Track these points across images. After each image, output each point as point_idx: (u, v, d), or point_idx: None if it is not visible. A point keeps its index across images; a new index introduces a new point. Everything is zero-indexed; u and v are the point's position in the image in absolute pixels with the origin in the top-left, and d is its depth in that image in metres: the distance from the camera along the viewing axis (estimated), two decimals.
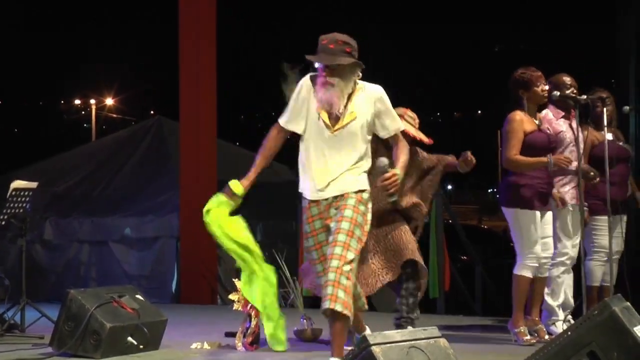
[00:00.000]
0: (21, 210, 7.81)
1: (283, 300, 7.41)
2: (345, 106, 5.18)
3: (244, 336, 6.52)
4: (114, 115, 34.44)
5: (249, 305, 6.49)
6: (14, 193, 7.72)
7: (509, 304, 7.02)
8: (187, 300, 10.16)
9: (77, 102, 34.85)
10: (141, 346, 6.49)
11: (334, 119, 5.20)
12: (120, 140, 12.96)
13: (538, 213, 6.81)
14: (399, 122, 5.42)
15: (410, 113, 7.02)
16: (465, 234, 10.66)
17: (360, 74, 5.23)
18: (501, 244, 15.25)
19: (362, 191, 5.23)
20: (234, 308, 6.66)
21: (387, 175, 5.09)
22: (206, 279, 10.26)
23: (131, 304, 6.65)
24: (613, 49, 11.06)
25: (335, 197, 5.22)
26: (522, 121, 6.84)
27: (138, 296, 6.85)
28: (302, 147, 5.32)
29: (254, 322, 6.51)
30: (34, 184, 7.96)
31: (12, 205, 7.75)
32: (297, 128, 5.31)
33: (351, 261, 5.07)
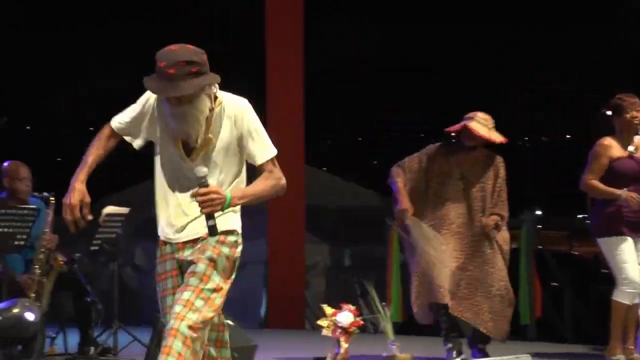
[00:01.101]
0: (113, 235, 7.94)
1: (372, 326, 7.38)
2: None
3: None
4: None
5: (338, 330, 6.48)
6: (106, 218, 7.85)
7: (601, 331, 6.90)
8: (275, 325, 10.18)
9: None
10: None
11: (189, 148, 4.13)
12: None
13: (630, 239, 6.71)
14: (268, 149, 4.25)
15: (481, 114, 6.96)
16: (555, 259, 10.51)
17: (217, 87, 4.13)
18: (592, 270, 14.99)
19: (230, 232, 4.24)
20: (322, 333, 6.65)
21: (202, 190, 3.95)
22: (294, 303, 10.28)
23: None
24: None
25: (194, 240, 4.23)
26: (609, 147, 6.75)
27: (227, 321, 6.88)
28: (156, 175, 4.35)
29: (343, 348, 6.49)
30: (125, 210, 8.09)
31: (104, 230, 7.88)
32: (133, 141, 4.32)
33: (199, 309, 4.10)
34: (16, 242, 7.25)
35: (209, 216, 3.96)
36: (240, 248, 4.31)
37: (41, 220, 7.65)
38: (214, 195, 3.94)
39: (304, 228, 10.52)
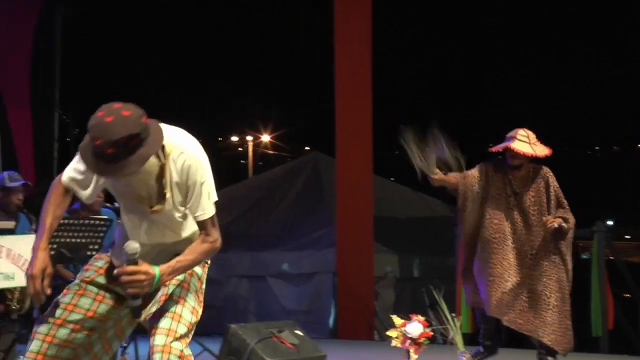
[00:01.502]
0: None
1: (442, 337, 7.31)
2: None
3: None
4: (270, 152, 34.98)
5: (408, 341, 6.44)
6: None
7: None
8: (344, 335, 10.17)
9: (234, 139, 35.58)
10: None
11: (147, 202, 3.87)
12: (277, 176, 13.13)
13: None
14: (208, 207, 3.93)
15: (521, 131, 6.99)
16: (628, 270, 10.34)
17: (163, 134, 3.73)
18: None
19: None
20: (392, 344, 6.61)
21: (130, 269, 3.61)
22: (363, 314, 10.25)
23: (291, 339, 6.70)
24: None
25: None
26: None
27: (297, 331, 6.89)
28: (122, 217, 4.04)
29: (412, 359, 6.45)
30: None
31: None
32: (82, 193, 3.96)
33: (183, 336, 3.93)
34: (88, 252, 7.33)
35: (135, 296, 3.65)
36: (208, 266, 4.17)
37: (112, 230, 7.74)
38: (142, 277, 3.63)
39: (373, 238, 10.50)
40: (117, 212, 7.85)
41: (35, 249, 3.80)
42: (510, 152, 6.99)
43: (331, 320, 10.47)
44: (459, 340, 7.03)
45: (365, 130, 10.66)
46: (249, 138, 34.64)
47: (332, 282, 10.50)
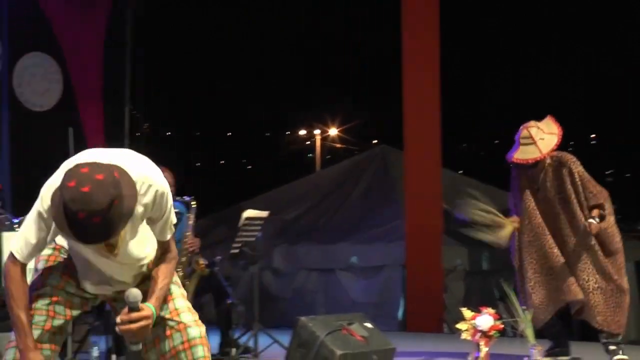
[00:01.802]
0: (253, 239, 8.05)
1: (512, 330, 7.26)
2: None
3: None
4: (337, 145, 35.00)
5: (478, 334, 6.41)
6: (246, 222, 7.98)
7: None
8: (413, 328, 10.15)
9: (302, 132, 35.68)
10: None
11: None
12: (345, 169, 13.14)
13: None
14: (170, 229, 3.90)
15: (524, 133, 7.08)
16: None
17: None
18: None
19: None
20: (462, 337, 6.59)
21: (135, 316, 3.53)
22: (432, 307, 10.23)
23: (360, 331, 6.71)
24: None
25: None
26: None
27: (367, 324, 6.90)
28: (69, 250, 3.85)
29: (483, 352, 6.42)
30: (265, 213, 8.20)
31: (244, 233, 8.00)
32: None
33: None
34: None
35: (137, 342, 3.59)
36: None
37: (183, 223, 7.81)
38: (145, 322, 3.56)
39: (442, 231, 10.46)
40: (187, 205, 7.93)
41: (23, 351, 3.60)
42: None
43: (400, 313, 10.46)
44: (529, 333, 6.99)
45: (433, 122, 10.62)
46: (317, 132, 34.71)
47: (401, 275, 10.49)
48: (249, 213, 8.05)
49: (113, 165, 3.49)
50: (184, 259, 7.80)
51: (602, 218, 7.03)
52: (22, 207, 8.98)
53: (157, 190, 3.68)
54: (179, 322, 3.85)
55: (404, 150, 10.80)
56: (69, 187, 3.35)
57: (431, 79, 10.63)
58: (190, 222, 7.88)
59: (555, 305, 7.02)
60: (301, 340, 6.57)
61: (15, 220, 6.95)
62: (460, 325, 6.58)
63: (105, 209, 3.34)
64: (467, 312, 6.52)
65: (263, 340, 7.98)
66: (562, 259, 7.03)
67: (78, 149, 11.56)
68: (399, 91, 10.76)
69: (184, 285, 7.64)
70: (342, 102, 29.18)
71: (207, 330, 7.99)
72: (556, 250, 7.07)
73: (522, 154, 7.09)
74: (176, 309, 3.88)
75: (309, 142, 36.46)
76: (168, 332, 3.83)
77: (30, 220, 3.63)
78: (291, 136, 35.69)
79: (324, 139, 35.33)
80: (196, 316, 3.93)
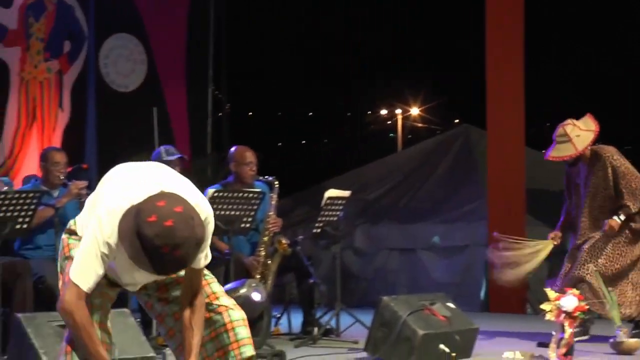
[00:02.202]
0: (335, 218, 8.07)
1: (597, 311, 7.19)
2: None
3: (558, 347, 6.38)
4: (419, 125, 34.85)
5: (562, 315, 6.35)
6: (328, 202, 8.00)
7: None
8: (496, 308, 10.09)
9: (383, 112, 35.60)
10: (453, 354, 6.51)
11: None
12: (427, 148, 13.08)
13: None
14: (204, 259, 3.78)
15: (560, 131, 7.32)
16: None
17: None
18: None
19: None
20: (546, 318, 6.53)
21: None
22: (516, 287, 10.13)
23: (443, 311, 6.69)
24: None
25: None
26: None
27: (449, 304, 6.88)
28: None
29: (567, 333, 6.36)
30: (347, 193, 8.21)
31: (326, 213, 8.02)
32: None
33: None
34: (242, 225, 7.48)
35: None
36: None
37: (266, 203, 7.87)
38: None
39: (525, 211, 10.36)
40: (270, 185, 7.98)
41: None
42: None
43: (482, 294, 10.40)
44: (615, 315, 6.91)
45: (517, 101, 10.51)
46: (398, 111, 34.60)
47: (483, 255, 10.41)
48: (331, 193, 8.08)
49: (180, 196, 3.53)
50: (266, 238, 7.86)
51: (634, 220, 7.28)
52: None
53: (206, 218, 3.63)
54: (219, 305, 3.86)
55: (487, 130, 10.71)
56: (151, 222, 3.38)
57: (515, 56, 10.50)
58: (273, 202, 7.94)
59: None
60: (383, 320, 6.58)
61: None
62: (544, 306, 6.52)
63: (187, 241, 3.40)
64: (551, 293, 6.46)
65: (345, 320, 8.01)
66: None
67: (162, 129, 11.73)
68: (482, 69, 10.67)
69: (266, 265, 7.76)
70: (424, 81, 29.04)
71: (289, 310, 8.10)
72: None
73: (557, 152, 7.33)
74: (214, 293, 3.89)
75: (390, 122, 36.38)
76: (207, 315, 3.83)
77: (92, 248, 3.56)
78: (373, 116, 35.63)
79: (406, 118, 35.21)
80: (233, 301, 3.93)
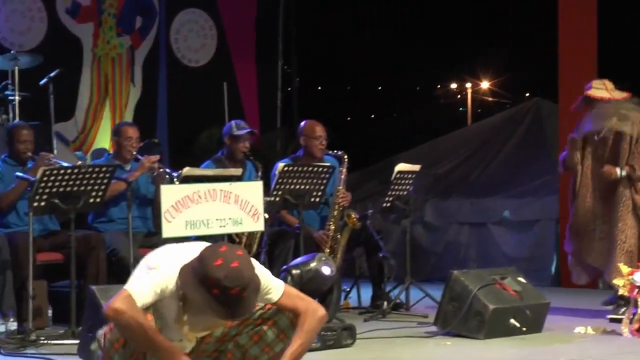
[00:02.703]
0: (405, 193, 8.05)
1: None
2: None
3: (630, 322, 6.31)
4: (489, 99, 34.54)
5: (635, 290, 6.28)
6: (398, 176, 7.99)
7: None
8: (567, 283, 9.97)
9: (453, 86, 35.34)
10: (524, 329, 6.49)
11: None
12: (497, 123, 12.97)
13: None
14: (273, 292, 3.87)
15: (596, 81, 7.53)
16: None
17: None
18: None
19: None
20: (619, 293, 6.47)
21: None
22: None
23: (513, 286, 6.66)
24: None
25: None
26: None
27: (520, 278, 6.85)
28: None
29: None
30: (416, 167, 8.19)
31: (396, 187, 8.01)
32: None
33: None
34: (312, 199, 7.50)
35: None
36: None
37: (335, 177, 7.89)
38: None
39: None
40: (339, 159, 7.99)
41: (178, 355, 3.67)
42: (589, 101, 7.45)
43: (553, 268, 10.31)
44: None
45: (589, 75, 10.34)
46: (468, 85, 34.32)
47: (554, 230, 10.32)
48: (401, 167, 8.06)
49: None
50: (335, 212, 7.88)
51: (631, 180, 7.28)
52: (179, 161, 9.25)
53: None
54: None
55: (559, 104, 10.58)
56: (218, 265, 3.53)
57: (588, 28, 10.34)
58: (342, 176, 7.95)
59: None
60: (453, 294, 6.57)
61: (174, 174, 7.13)
62: (616, 281, 6.46)
63: (252, 282, 3.58)
64: (624, 268, 6.39)
65: (414, 294, 8.01)
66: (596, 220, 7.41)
67: (232, 104, 11.84)
68: (554, 42, 10.53)
69: (335, 239, 7.79)
70: (494, 55, 28.76)
71: (359, 283, 8.11)
72: (591, 208, 7.46)
73: (598, 92, 7.46)
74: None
75: (460, 96, 36.12)
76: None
77: (159, 279, 3.66)
78: (442, 90, 35.40)
79: (476, 92, 34.92)
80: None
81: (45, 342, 6.36)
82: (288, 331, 3.85)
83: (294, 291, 3.95)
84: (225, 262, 3.54)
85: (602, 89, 7.32)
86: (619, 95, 7.32)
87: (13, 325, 6.53)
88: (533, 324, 6.59)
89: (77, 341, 5.75)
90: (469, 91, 34.47)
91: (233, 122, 8.13)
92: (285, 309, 3.83)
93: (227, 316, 3.61)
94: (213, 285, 3.52)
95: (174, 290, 3.66)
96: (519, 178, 11.21)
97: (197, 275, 3.56)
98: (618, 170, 7.25)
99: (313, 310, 3.85)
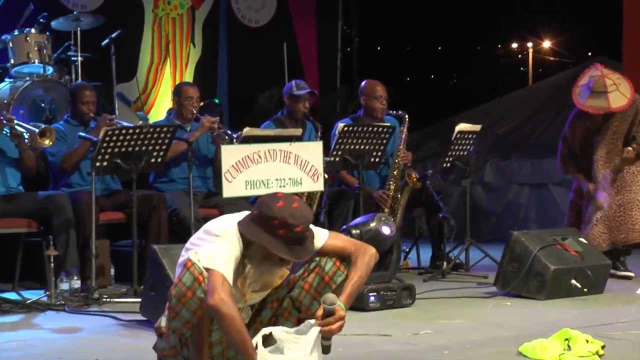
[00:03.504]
0: (465, 153, 8.01)
1: None
2: None
3: None
4: (551, 58, 34.13)
5: None
6: (458, 136, 7.94)
7: None
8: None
9: (514, 46, 34.97)
10: (585, 290, 6.45)
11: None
12: (559, 83, 12.81)
13: None
14: (321, 236, 3.92)
15: (597, 86, 7.40)
16: None
17: None
18: None
19: None
20: None
21: (339, 316, 3.74)
22: None
23: (575, 246, 6.62)
24: None
25: None
26: None
27: (581, 239, 6.80)
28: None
29: None
30: (477, 127, 8.14)
31: (456, 147, 7.97)
32: None
33: None
34: (372, 159, 7.50)
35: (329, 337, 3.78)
36: None
37: (395, 137, 7.87)
38: (341, 323, 3.75)
39: None
40: (400, 119, 7.97)
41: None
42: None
43: None
44: None
45: None
46: (529, 44, 33.93)
47: None
48: (462, 127, 8.01)
49: None
50: (396, 172, 7.87)
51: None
52: (238, 121, 9.29)
53: None
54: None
55: (623, 63, 10.42)
56: (280, 206, 3.68)
57: None
58: (403, 136, 7.94)
59: None
60: (514, 255, 6.55)
61: (234, 135, 7.16)
62: None
63: (310, 221, 3.75)
64: None
65: (474, 255, 7.98)
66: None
67: (292, 64, 11.82)
68: (618, 0, 10.37)
69: (395, 199, 7.78)
70: (556, 14, 28.39)
71: (419, 244, 8.11)
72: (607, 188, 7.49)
73: (596, 105, 7.45)
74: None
75: (521, 56, 35.74)
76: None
77: (231, 247, 3.70)
78: (503, 49, 35.05)
79: (537, 52, 34.52)
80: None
81: (108, 300, 6.46)
82: (333, 275, 3.89)
83: (342, 235, 4.06)
84: (286, 203, 3.69)
85: (599, 97, 7.41)
86: (619, 101, 7.38)
87: (77, 283, 6.62)
88: (594, 285, 6.55)
89: (139, 299, 5.82)
90: (530, 51, 34.09)
91: (293, 82, 8.13)
92: (335, 250, 3.88)
93: (293, 256, 3.70)
94: (278, 226, 3.65)
95: (239, 252, 3.74)
96: None
97: (260, 222, 3.69)
98: (630, 148, 7.40)
99: (364, 248, 3.92)
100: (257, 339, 3.68)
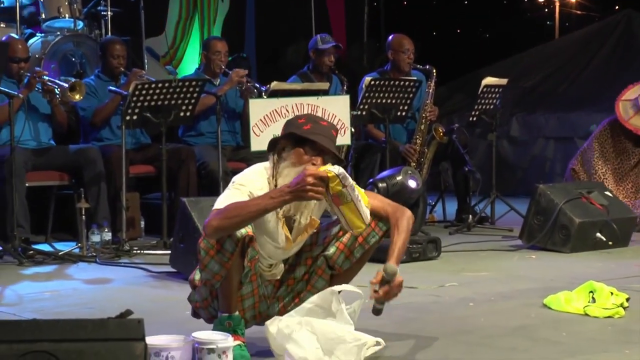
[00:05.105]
0: (491, 107, 8.03)
1: None
2: None
3: None
4: (577, 12, 33.81)
5: None
6: (485, 89, 7.96)
7: None
8: None
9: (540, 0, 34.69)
10: (610, 242, 6.49)
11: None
12: (586, 36, 12.75)
13: None
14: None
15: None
16: None
17: None
18: None
19: None
20: None
21: (397, 283, 3.80)
22: None
23: (600, 200, 6.65)
24: None
25: None
26: None
27: (607, 192, 6.83)
28: None
29: None
30: (503, 81, 8.15)
31: (483, 101, 8.00)
32: None
33: None
34: (398, 113, 7.54)
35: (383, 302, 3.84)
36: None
37: (422, 91, 7.90)
38: (399, 289, 3.81)
39: None
40: (427, 73, 7.98)
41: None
42: None
43: None
44: None
45: None
46: None
47: None
48: (488, 80, 8.02)
49: None
50: (422, 126, 7.91)
51: None
52: (266, 75, 9.33)
53: None
54: None
55: None
56: (302, 121, 3.83)
57: None
58: (430, 90, 7.96)
59: None
60: (539, 208, 6.59)
61: (263, 88, 7.21)
62: None
63: (336, 127, 3.94)
64: None
65: (499, 208, 8.03)
66: None
67: (319, 18, 11.76)
68: None
69: (422, 153, 7.83)
70: None
71: (445, 197, 8.16)
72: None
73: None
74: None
75: (547, 10, 35.44)
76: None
77: (235, 192, 3.75)
78: (529, 3, 34.77)
79: (564, 5, 34.21)
80: None
81: (138, 252, 6.56)
82: (368, 236, 3.93)
83: (379, 195, 4.14)
84: (308, 117, 3.89)
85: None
86: None
87: (108, 235, 6.72)
88: (620, 238, 6.59)
89: (169, 251, 5.91)
90: (557, 4, 33.78)
91: (318, 36, 8.16)
92: (374, 210, 3.87)
93: (319, 139, 3.74)
94: (305, 122, 3.80)
95: (264, 182, 3.78)
96: (607, 92, 11.04)
97: (287, 131, 3.84)
98: None
99: (402, 210, 3.94)
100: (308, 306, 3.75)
